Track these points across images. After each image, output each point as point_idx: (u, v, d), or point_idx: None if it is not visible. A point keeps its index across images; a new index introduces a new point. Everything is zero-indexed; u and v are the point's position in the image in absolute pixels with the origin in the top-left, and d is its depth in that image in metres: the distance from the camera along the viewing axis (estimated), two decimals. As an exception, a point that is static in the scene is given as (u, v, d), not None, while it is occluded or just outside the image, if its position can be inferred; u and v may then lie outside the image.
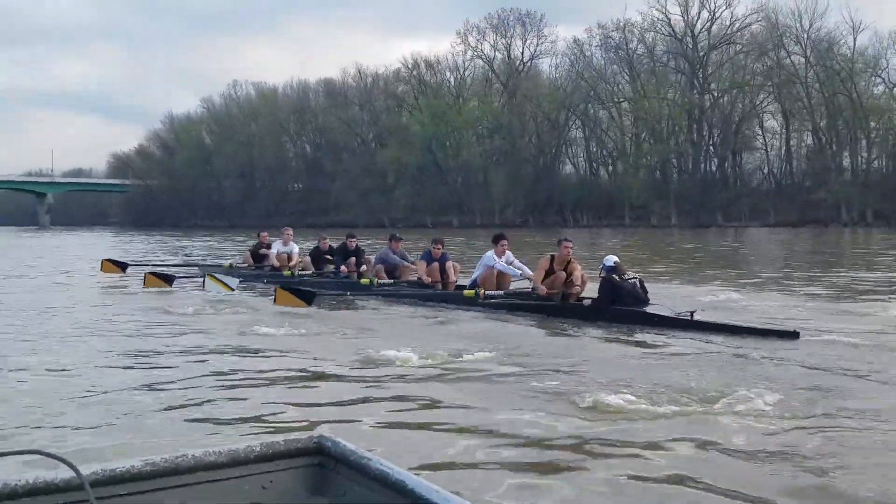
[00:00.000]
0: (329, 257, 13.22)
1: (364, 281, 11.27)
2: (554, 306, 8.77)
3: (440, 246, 11.16)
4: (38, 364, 5.88)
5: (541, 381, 5.11)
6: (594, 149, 72.11)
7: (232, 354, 6.45)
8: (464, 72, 77.96)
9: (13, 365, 5.79)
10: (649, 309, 8.16)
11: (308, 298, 9.93)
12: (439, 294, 10.28)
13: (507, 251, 10.19)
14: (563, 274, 9.15)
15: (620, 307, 8.10)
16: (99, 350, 6.66)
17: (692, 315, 7.55)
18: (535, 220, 67.25)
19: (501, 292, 9.71)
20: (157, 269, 13.51)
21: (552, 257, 9.31)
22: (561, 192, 69.69)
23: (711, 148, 65.17)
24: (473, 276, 10.27)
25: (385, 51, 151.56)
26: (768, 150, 63.92)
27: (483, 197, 71.15)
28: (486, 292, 9.39)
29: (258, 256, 14.31)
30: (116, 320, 8.60)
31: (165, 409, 4.55)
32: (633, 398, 4.51)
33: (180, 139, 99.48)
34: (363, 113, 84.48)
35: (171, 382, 5.26)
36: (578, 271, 9.25)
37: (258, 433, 4.05)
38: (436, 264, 10.93)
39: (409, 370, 5.59)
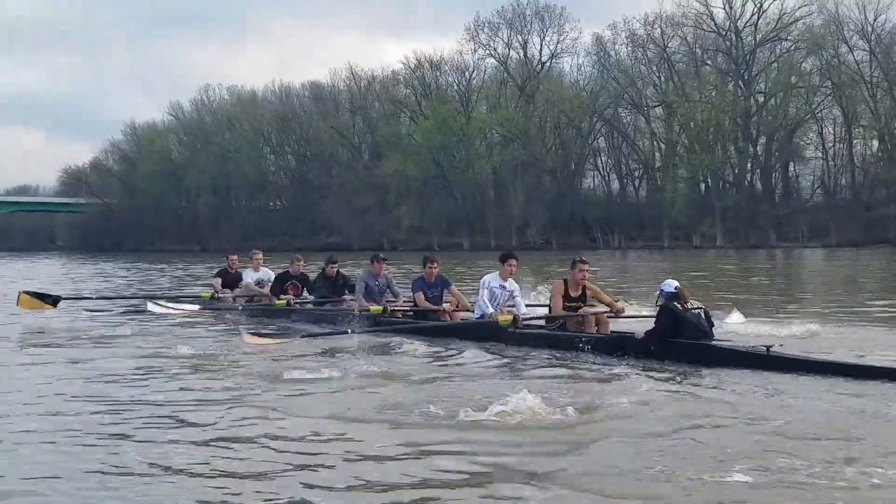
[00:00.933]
0: (296, 283, 12.81)
1: (375, 309, 10.60)
2: (599, 341, 8.52)
3: (433, 266, 10.77)
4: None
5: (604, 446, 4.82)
6: (625, 160, 72.90)
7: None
8: (471, 73, 78.45)
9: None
10: (719, 343, 7.91)
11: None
12: (455, 326, 9.84)
13: (511, 277, 9.98)
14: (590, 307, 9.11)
15: (683, 340, 7.82)
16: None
17: (769, 350, 7.36)
18: (559, 242, 67.38)
19: (530, 314, 9.43)
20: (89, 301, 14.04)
21: (565, 282, 9.23)
22: (587, 210, 70.12)
23: (761, 158, 65.87)
24: (480, 309, 9.89)
25: (373, 53, 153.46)
26: (828, 159, 64.33)
27: (498, 215, 71.23)
28: (522, 315, 9.18)
29: (229, 285, 13.96)
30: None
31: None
32: (747, 478, 4.09)
33: (144, 151, 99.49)
34: (357, 120, 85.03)
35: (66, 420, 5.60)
36: (601, 292, 9.29)
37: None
38: (420, 294, 10.55)
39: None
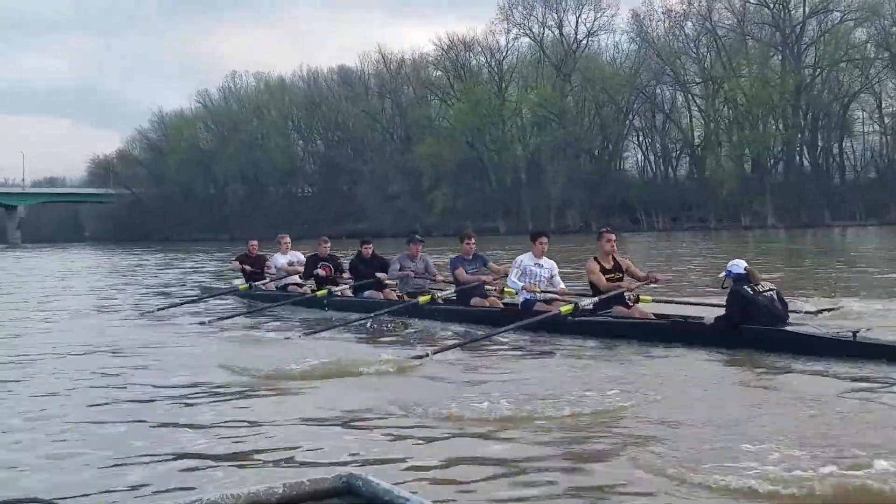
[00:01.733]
0: (327, 265, 12.79)
1: (424, 300, 10.35)
2: (666, 327, 8.23)
3: (471, 241, 10.71)
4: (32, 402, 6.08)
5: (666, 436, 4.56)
6: (668, 139, 71.27)
7: (254, 390, 6.37)
8: (505, 53, 77.10)
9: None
10: (797, 328, 7.45)
11: None
12: (526, 322, 9.11)
13: (545, 255, 9.81)
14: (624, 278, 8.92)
15: (756, 326, 7.36)
16: (107, 386, 6.67)
17: (855, 335, 6.79)
18: (599, 224, 65.50)
19: (595, 300, 8.79)
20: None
21: (596, 258, 9.03)
22: (628, 191, 68.83)
23: (813, 133, 63.69)
24: (521, 293, 9.76)
25: (400, 36, 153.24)
26: (886, 133, 62.24)
27: (535, 197, 70.29)
28: (583, 306, 8.67)
29: (253, 274, 14.02)
30: (120, 357, 8.23)
31: (177, 452, 4.62)
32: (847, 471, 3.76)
33: (172, 140, 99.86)
34: (388, 104, 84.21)
35: (183, 423, 5.33)
36: (632, 266, 9.09)
37: (282, 473, 4.08)
38: (461, 270, 10.50)
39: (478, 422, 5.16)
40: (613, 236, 9.04)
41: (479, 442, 4.74)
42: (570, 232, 61.26)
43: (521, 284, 9.56)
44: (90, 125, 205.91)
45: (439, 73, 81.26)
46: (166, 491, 3.91)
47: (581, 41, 75.56)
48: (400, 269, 11.34)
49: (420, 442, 4.80)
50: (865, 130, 63.98)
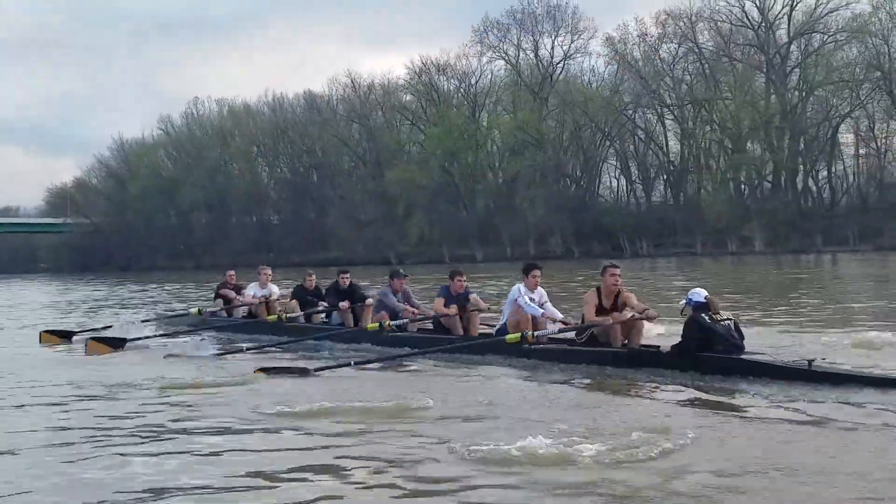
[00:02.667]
0: (314, 299, 13.27)
1: (371, 326, 11.01)
2: (622, 355, 8.43)
3: (462, 279, 11.02)
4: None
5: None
6: (651, 163, 70.33)
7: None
8: (478, 77, 76.48)
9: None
10: (753, 356, 7.72)
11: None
12: (469, 343, 10.04)
13: (539, 286, 10.04)
14: (623, 314, 8.76)
15: (713, 354, 7.66)
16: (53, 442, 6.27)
17: (811, 364, 7.11)
18: (581, 250, 65.47)
19: (554, 330, 9.33)
20: (103, 334, 13.20)
21: (598, 290, 9.04)
22: (611, 216, 67.92)
23: (807, 157, 62.53)
24: (502, 319, 10.09)
25: (365, 62, 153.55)
26: (879, 155, 61.45)
27: (513, 224, 69.50)
28: (537, 334, 9.04)
29: (227, 300, 14.82)
30: (61, 399, 8.10)
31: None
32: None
33: (133, 167, 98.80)
34: (358, 129, 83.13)
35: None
36: (634, 299, 8.96)
37: None
38: (442, 300, 10.87)
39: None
40: (618, 271, 8.95)
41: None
42: (551, 258, 60.38)
43: (541, 311, 9.70)
44: (45, 155, 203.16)
45: (410, 97, 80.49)
46: None
47: (557, 64, 75.05)
48: (384, 306, 11.53)
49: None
50: (858, 152, 63.03)
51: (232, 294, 14.76)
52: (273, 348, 11.25)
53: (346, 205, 79.04)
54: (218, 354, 10.97)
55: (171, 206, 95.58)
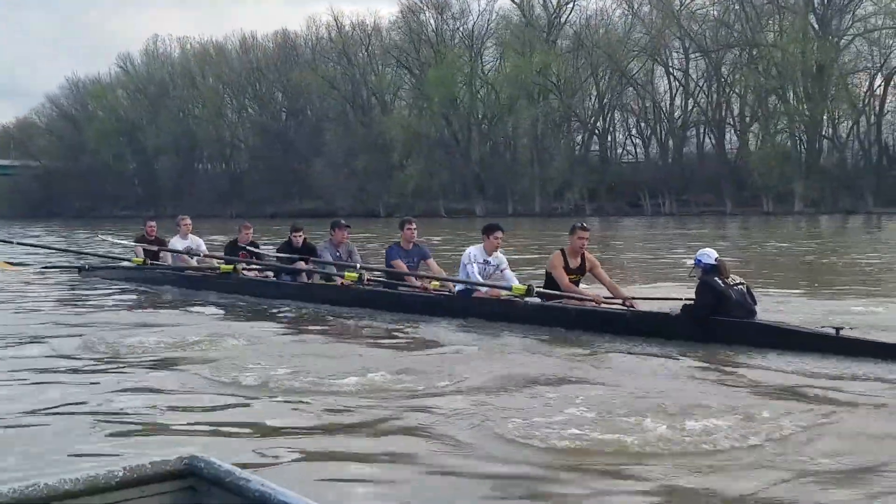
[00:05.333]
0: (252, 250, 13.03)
1: (350, 276, 10.66)
2: (624, 318, 8.28)
3: (412, 228, 10.60)
4: None
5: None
6: (675, 114, 68.18)
7: (104, 356, 7.20)
8: (476, 18, 74.73)
9: None
10: (775, 322, 7.58)
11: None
12: (446, 298, 9.96)
13: (498, 251, 9.81)
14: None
15: (730, 318, 7.50)
16: None
17: (838, 331, 6.97)
18: (594, 208, 63.52)
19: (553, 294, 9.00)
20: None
21: (563, 252, 9.01)
22: (630, 169, 66.74)
23: (850, 111, 60.23)
24: (456, 288, 9.96)
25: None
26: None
27: (518, 177, 68.16)
28: (538, 290, 8.89)
29: (150, 256, 14.03)
30: None
31: (11, 433, 4.88)
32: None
33: (89, 109, 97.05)
34: (341, 73, 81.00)
35: (20, 396, 5.74)
36: (599, 267, 9.13)
37: (122, 456, 4.29)
38: (399, 262, 10.44)
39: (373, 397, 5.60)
40: (587, 234, 9.03)
41: (327, 420, 5.12)
42: (558, 215, 59.05)
43: (485, 285, 9.48)
44: None
45: (401, 38, 78.06)
46: (1, 477, 3.87)
47: (566, 5, 72.29)
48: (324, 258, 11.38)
49: (266, 422, 5.12)
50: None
51: (154, 249, 14.08)
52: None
53: (332, 152, 76.68)
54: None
55: (131, 150, 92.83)
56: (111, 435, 4.80)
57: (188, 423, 5.09)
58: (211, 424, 5.08)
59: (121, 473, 1.76)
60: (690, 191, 62.94)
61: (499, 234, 9.76)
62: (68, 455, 4.44)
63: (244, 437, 4.79)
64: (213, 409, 5.44)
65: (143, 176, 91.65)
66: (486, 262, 9.69)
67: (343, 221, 11.90)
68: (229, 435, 4.82)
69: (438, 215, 62.10)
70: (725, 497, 3.85)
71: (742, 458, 4.26)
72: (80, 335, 8.27)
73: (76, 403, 5.56)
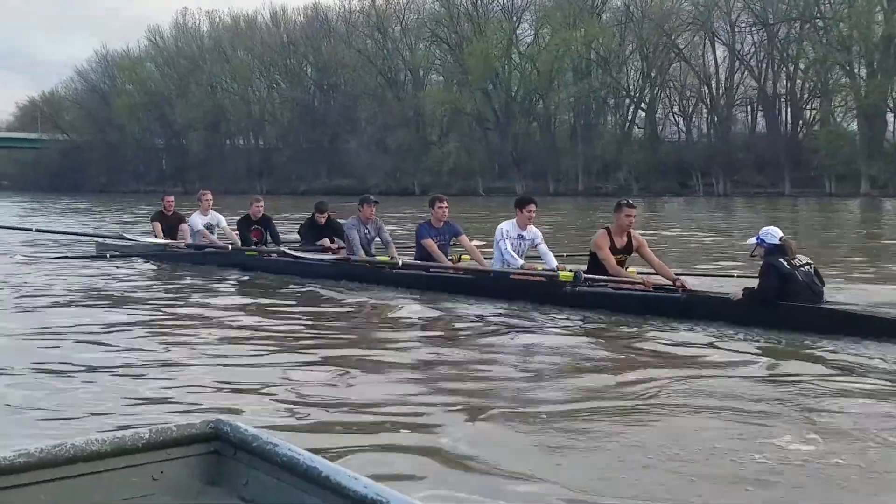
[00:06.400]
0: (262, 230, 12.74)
1: (383, 259, 10.48)
2: (679, 301, 7.85)
3: (444, 205, 10.36)
4: None
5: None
6: (732, 89, 66.37)
7: (131, 328, 7.55)
8: None
9: None
10: (851, 307, 7.10)
11: None
12: (500, 278, 9.36)
13: (531, 224, 9.49)
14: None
15: (796, 303, 7.06)
16: None
17: None
18: (641, 187, 62.18)
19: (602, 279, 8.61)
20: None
21: (608, 231, 8.72)
22: (681, 148, 65.37)
23: None
24: (495, 265, 9.60)
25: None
26: None
27: (561, 155, 67.34)
28: (587, 276, 8.49)
29: (169, 232, 13.76)
30: None
31: (41, 396, 5.11)
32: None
33: (117, 83, 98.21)
34: (374, 47, 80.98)
35: (48, 367, 5.93)
36: (646, 246, 8.79)
37: (150, 420, 4.42)
38: (430, 241, 10.13)
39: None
40: (634, 212, 8.75)
41: (357, 390, 5.31)
42: (601, 195, 57.61)
43: (521, 262, 9.28)
44: (7, 71, 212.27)
45: (438, 9, 77.51)
46: (32, 437, 3.94)
47: None
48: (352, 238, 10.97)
49: (292, 388, 5.28)
50: None
51: (166, 225, 13.98)
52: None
53: (366, 128, 76.39)
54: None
55: (159, 125, 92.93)
56: (137, 400, 5.02)
57: (213, 391, 5.31)
58: (237, 392, 5.30)
59: (147, 435, 1.80)
60: (744, 170, 61.06)
61: (532, 207, 9.61)
62: (94, 414, 4.66)
63: (272, 404, 4.96)
64: (238, 379, 5.60)
65: (171, 151, 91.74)
66: (521, 237, 9.51)
67: (372, 197, 11.57)
68: (257, 403, 4.99)
69: (476, 194, 61.29)
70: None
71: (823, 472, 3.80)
72: (102, 312, 8.53)
73: (106, 369, 5.85)
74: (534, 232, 9.57)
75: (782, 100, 63.39)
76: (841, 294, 8.28)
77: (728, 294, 7.73)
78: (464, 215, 20.06)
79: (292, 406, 4.84)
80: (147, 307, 8.77)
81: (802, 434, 4.22)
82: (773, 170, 59.70)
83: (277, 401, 4.93)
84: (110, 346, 6.71)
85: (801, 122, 62.16)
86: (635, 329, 7.37)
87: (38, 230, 15.82)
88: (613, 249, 8.62)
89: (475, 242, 10.75)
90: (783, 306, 7.08)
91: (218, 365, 6.01)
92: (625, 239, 8.73)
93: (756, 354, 6.35)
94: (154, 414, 4.64)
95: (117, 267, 12.56)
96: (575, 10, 68.23)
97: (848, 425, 4.34)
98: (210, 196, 13.91)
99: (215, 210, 13.74)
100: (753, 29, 62.92)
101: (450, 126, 71.83)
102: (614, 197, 52.82)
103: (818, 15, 59.38)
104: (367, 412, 4.69)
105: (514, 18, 73.64)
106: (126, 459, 1.78)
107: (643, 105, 68.29)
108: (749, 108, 66.14)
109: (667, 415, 4.60)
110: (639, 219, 9.04)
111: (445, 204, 10.43)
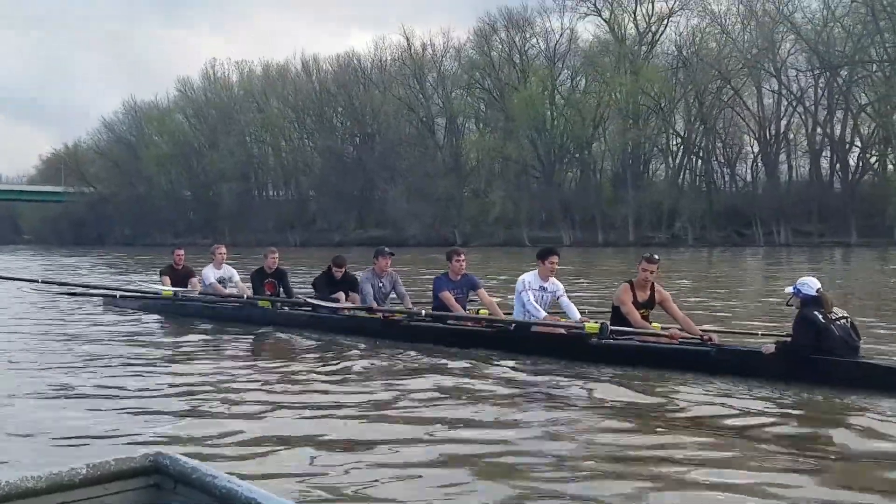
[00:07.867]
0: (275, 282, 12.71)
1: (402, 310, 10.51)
2: (708, 356, 7.86)
3: (461, 259, 10.58)
4: None
5: None
6: (794, 135, 66.03)
7: (74, 366, 8.06)
8: (559, 38, 74.71)
9: None
10: (889, 362, 7.11)
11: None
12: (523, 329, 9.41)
13: (552, 277, 9.48)
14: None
15: (831, 357, 7.07)
16: None
17: None
18: (696, 237, 61.79)
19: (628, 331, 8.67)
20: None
21: (631, 284, 8.79)
22: (740, 197, 64.74)
23: None
24: (515, 317, 9.44)
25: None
26: None
27: (615, 204, 67.01)
28: (613, 328, 8.38)
29: (178, 286, 13.95)
30: None
31: None
32: None
33: (144, 133, 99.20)
34: (412, 96, 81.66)
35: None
36: (670, 301, 8.84)
37: (86, 455, 4.31)
38: (447, 293, 10.18)
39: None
40: (654, 267, 8.83)
41: (300, 423, 5.65)
42: (655, 244, 57.07)
43: (544, 314, 9.32)
44: (29, 125, 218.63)
45: (477, 57, 78.53)
46: None
47: (654, 23, 71.99)
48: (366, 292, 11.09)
49: (232, 421, 5.57)
50: None
51: (175, 279, 14.16)
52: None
53: (406, 177, 76.54)
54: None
55: (189, 175, 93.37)
56: (79, 437, 5.16)
57: (155, 422, 5.73)
58: (181, 422, 5.71)
59: (84, 470, 1.81)
60: (806, 218, 60.02)
61: (554, 258, 9.75)
62: (29, 451, 4.77)
63: (207, 437, 5.24)
64: (182, 408, 6.12)
65: (200, 202, 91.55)
66: (543, 289, 9.59)
67: (388, 249, 11.82)
68: (201, 435, 5.30)
69: (521, 244, 61.09)
70: None
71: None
72: (91, 355, 9.11)
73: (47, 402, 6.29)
74: (556, 284, 9.63)
75: (846, 145, 62.46)
76: (881, 348, 8.33)
77: (760, 348, 7.72)
78: (511, 265, 19.84)
79: (227, 437, 5.18)
80: (134, 354, 9.38)
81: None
82: (838, 218, 58.47)
83: (215, 432, 5.27)
84: (54, 381, 7.26)
85: (865, 167, 61.58)
86: (666, 385, 7.33)
87: (44, 281, 16.62)
88: (636, 303, 8.67)
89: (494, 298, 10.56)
90: (818, 360, 7.07)
91: (162, 396, 6.57)
92: (647, 293, 8.82)
93: (790, 409, 6.47)
94: (100, 447, 4.87)
95: (122, 314, 13.65)
96: (623, 57, 68.71)
97: (885, 486, 4.32)
98: (224, 250, 14.13)
99: (229, 264, 14.02)
100: (811, 73, 62.62)
101: (493, 174, 71.50)
102: (668, 247, 53.20)
103: (884, 58, 58.70)
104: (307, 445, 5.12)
105: (560, 64, 73.95)
106: (62, 496, 1.78)
107: (698, 151, 67.88)
108: (810, 154, 64.92)
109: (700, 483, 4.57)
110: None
111: (462, 258, 10.61)
